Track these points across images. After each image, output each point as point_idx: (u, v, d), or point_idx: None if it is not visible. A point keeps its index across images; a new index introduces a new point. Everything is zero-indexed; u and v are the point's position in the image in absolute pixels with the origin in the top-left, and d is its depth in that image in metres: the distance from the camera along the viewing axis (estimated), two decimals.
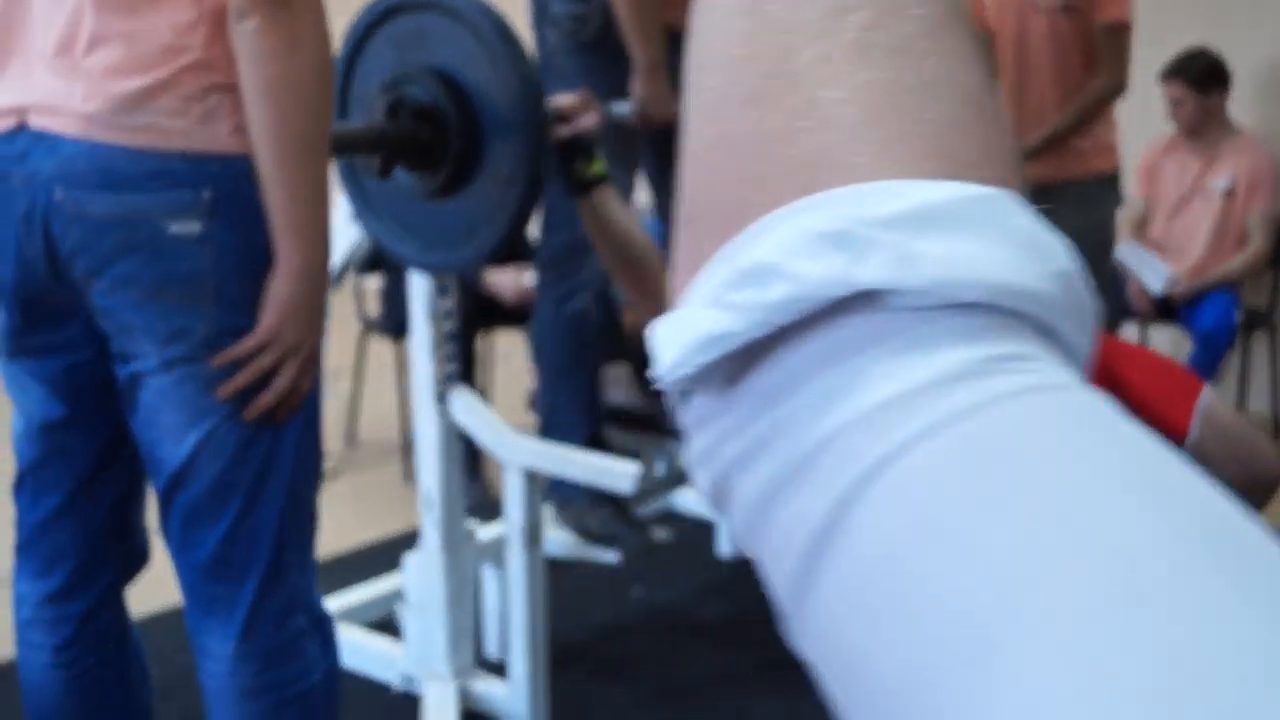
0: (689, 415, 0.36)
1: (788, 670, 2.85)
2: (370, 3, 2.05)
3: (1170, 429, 2.63)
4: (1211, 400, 2.71)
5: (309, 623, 1.70)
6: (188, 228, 1.49)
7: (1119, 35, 3.62)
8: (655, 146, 2.90)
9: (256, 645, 1.65)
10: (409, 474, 4.02)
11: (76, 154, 1.47)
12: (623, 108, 2.74)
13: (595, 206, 2.52)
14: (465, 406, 2.60)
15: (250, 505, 1.60)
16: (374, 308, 4.43)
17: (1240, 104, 4.58)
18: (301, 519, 1.67)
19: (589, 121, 2.52)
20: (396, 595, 2.84)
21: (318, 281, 1.58)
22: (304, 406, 1.63)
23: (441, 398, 2.59)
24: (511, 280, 4.03)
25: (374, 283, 4.60)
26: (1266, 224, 4.50)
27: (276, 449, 1.61)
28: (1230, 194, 4.52)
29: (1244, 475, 2.67)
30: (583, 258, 2.56)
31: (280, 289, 1.56)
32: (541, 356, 2.99)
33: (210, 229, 1.50)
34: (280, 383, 1.58)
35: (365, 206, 2.16)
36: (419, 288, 2.54)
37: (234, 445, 1.57)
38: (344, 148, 1.86)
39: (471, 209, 1.98)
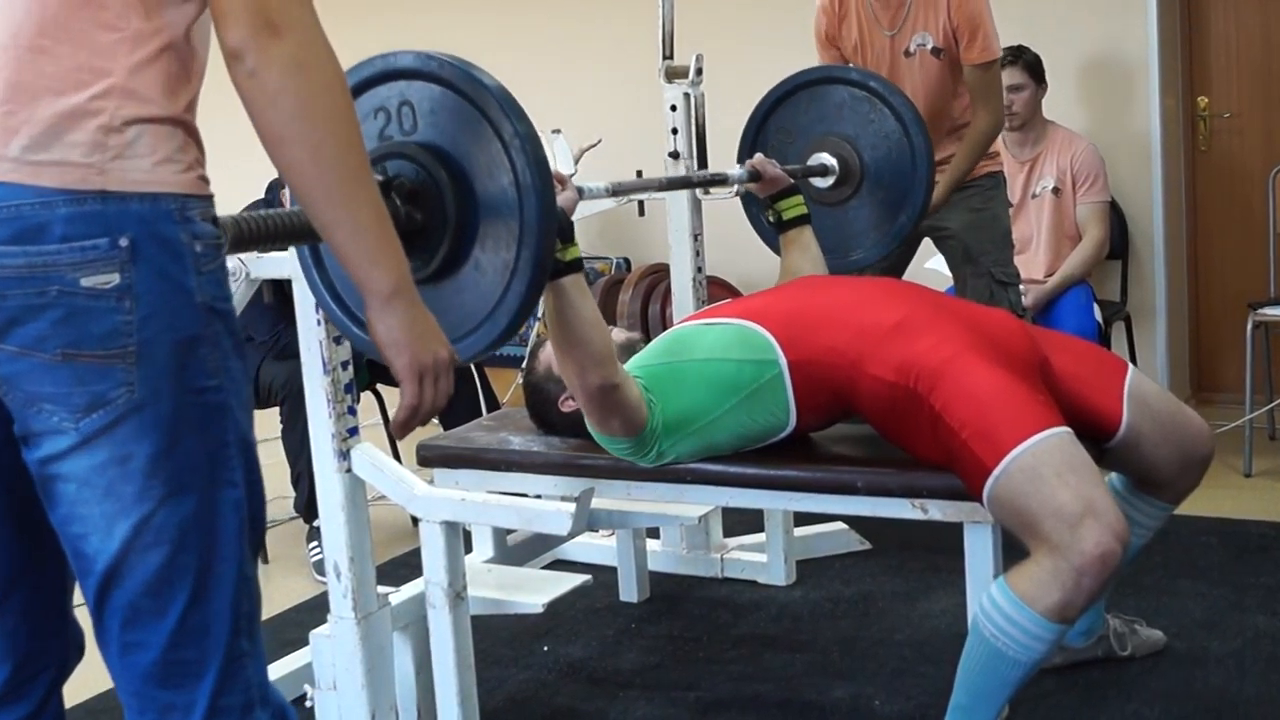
0: None
1: (729, 710, 2.70)
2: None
3: (1104, 417, 2.57)
4: (1137, 380, 2.66)
5: (270, 718, 1.46)
6: (103, 280, 1.27)
7: (990, 72, 3.66)
8: None
9: None
10: (313, 535, 3.74)
11: None
12: (598, 185, 2.55)
13: (564, 292, 2.26)
14: (369, 461, 2.37)
15: (198, 594, 1.36)
16: None
17: (1058, 103, 4.65)
18: (252, 598, 1.44)
19: (566, 200, 2.29)
20: (303, 674, 2.58)
21: (413, 294, 1.47)
22: (241, 465, 1.40)
23: (343, 454, 2.36)
24: None
25: None
26: (1100, 215, 4.54)
27: (219, 523, 1.37)
28: (1058, 191, 4.55)
29: (1179, 455, 2.62)
30: None
31: (383, 326, 1.45)
32: None
33: (130, 280, 1.29)
34: (439, 401, 1.50)
35: (329, 294, 1.95)
36: (311, 334, 2.31)
37: (174, 530, 1.33)
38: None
39: (463, 299, 1.77)
